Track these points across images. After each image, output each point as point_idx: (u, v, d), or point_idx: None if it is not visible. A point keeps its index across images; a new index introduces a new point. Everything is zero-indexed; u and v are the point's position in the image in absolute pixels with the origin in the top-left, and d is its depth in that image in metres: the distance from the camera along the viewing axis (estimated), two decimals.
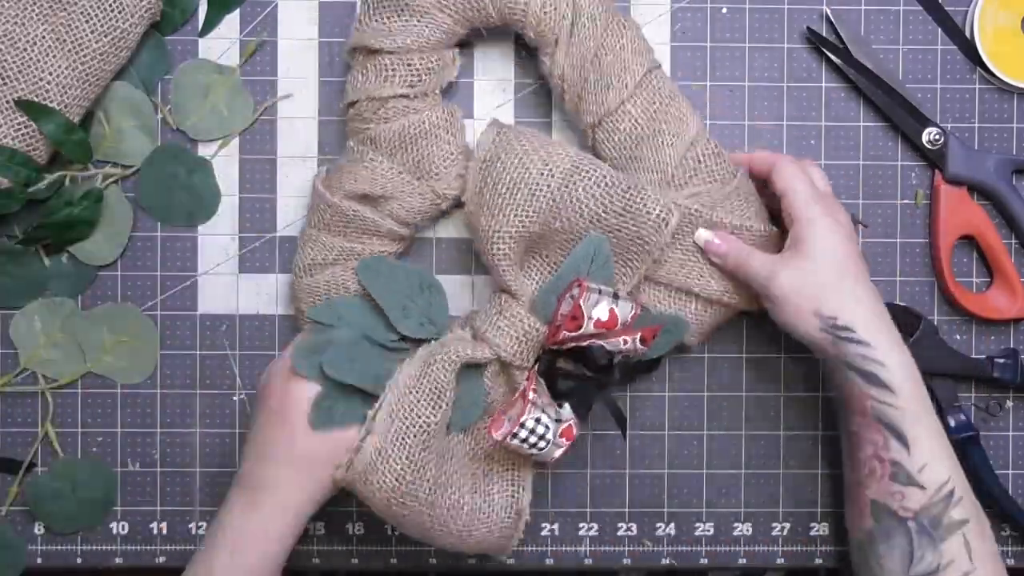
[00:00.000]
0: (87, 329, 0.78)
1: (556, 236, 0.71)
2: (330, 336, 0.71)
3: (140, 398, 0.79)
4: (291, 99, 0.80)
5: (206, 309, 0.80)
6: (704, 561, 0.81)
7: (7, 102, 0.73)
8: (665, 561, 0.81)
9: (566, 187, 0.69)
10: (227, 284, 0.80)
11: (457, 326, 0.74)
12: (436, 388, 0.70)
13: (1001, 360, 0.79)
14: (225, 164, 0.80)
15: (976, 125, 0.81)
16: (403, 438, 0.69)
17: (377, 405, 0.69)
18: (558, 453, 0.69)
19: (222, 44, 0.79)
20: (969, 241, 0.80)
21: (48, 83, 0.73)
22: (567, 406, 0.70)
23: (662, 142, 0.74)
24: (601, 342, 0.70)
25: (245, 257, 0.80)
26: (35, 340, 0.78)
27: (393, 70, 0.73)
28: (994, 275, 0.80)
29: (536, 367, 0.72)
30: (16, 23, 0.72)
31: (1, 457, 0.79)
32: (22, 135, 0.73)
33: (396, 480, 0.69)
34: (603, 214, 0.70)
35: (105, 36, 0.74)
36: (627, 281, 0.73)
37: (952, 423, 0.79)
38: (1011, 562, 0.81)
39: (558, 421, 0.69)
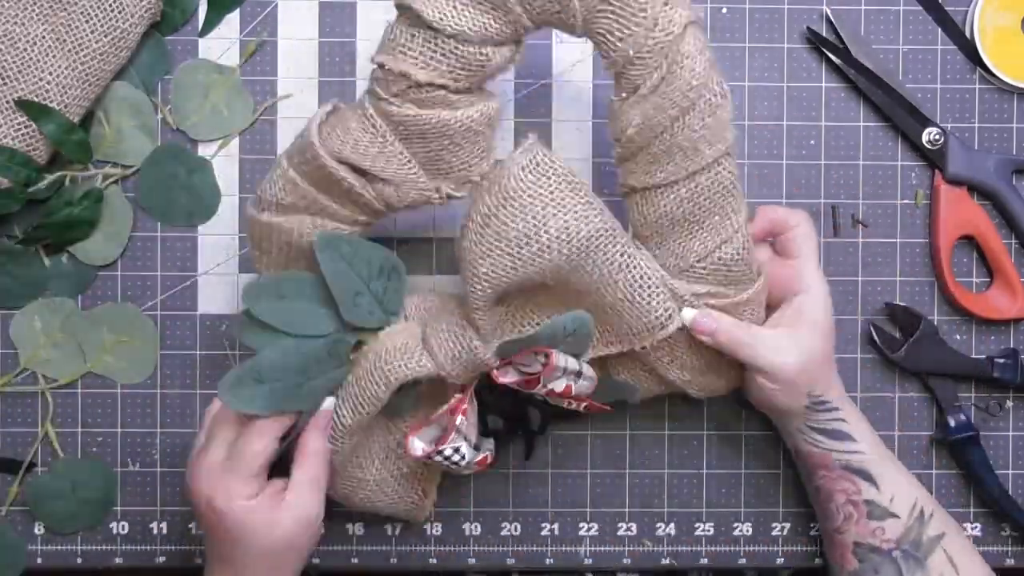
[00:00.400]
0: (87, 329, 0.78)
1: (542, 288, 0.67)
2: (258, 364, 0.67)
3: (140, 398, 0.79)
4: (291, 99, 0.80)
5: (206, 309, 0.80)
6: (704, 561, 0.81)
7: (7, 102, 0.73)
8: (665, 561, 0.81)
9: (578, 255, 0.64)
10: (227, 284, 0.80)
11: (410, 312, 0.71)
12: (367, 398, 0.68)
13: (1001, 360, 0.79)
14: (225, 164, 0.80)
15: (976, 125, 0.81)
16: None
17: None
18: (467, 472, 0.70)
19: (222, 44, 0.79)
20: (969, 241, 0.80)
21: (48, 83, 0.73)
22: (490, 441, 0.71)
23: (694, 235, 0.68)
24: (543, 398, 0.69)
25: (245, 257, 0.80)
26: (35, 340, 0.78)
27: (442, 55, 0.63)
28: (994, 275, 0.80)
29: (470, 390, 0.70)
30: (16, 23, 0.72)
31: (1, 457, 0.79)
32: (22, 135, 0.73)
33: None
34: (603, 291, 0.66)
35: (105, 36, 0.74)
36: (600, 351, 0.70)
37: (952, 423, 0.79)
38: (1011, 562, 0.81)
39: (476, 449, 0.69)
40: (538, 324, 0.69)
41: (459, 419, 0.67)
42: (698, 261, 0.68)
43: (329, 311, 0.69)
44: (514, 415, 0.74)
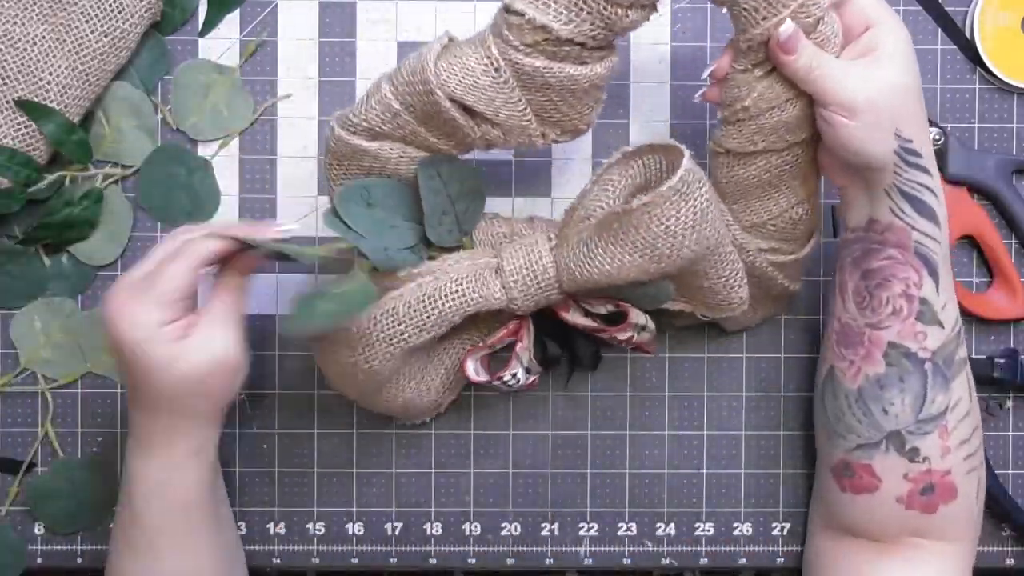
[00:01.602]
0: (87, 329, 0.79)
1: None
2: (370, 186, 0.68)
3: None
4: (291, 99, 0.80)
5: None
6: (704, 561, 0.81)
7: (7, 102, 0.73)
8: (665, 561, 0.81)
9: (700, 258, 0.67)
10: None
11: (477, 236, 0.71)
12: (435, 320, 0.67)
13: (1001, 360, 0.79)
14: (225, 164, 0.80)
15: (976, 125, 0.81)
16: (385, 346, 0.67)
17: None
18: (511, 391, 0.73)
19: (222, 44, 0.79)
20: (969, 241, 0.80)
21: (48, 83, 0.73)
22: (538, 365, 0.72)
23: (773, 196, 0.70)
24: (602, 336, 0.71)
25: None
26: (35, 340, 0.78)
27: (587, 14, 0.62)
28: (994, 275, 0.80)
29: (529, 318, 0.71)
30: (16, 23, 0.72)
31: (1, 457, 0.79)
32: (22, 135, 0.73)
33: (364, 367, 0.68)
34: (697, 278, 0.68)
35: (105, 36, 0.74)
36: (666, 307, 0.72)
37: None
38: (1011, 562, 0.81)
39: (528, 371, 0.71)
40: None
41: (518, 347, 0.69)
42: (771, 219, 0.71)
43: (410, 225, 0.70)
44: (565, 344, 0.75)
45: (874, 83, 0.63)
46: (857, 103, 0.63)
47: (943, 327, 0.67)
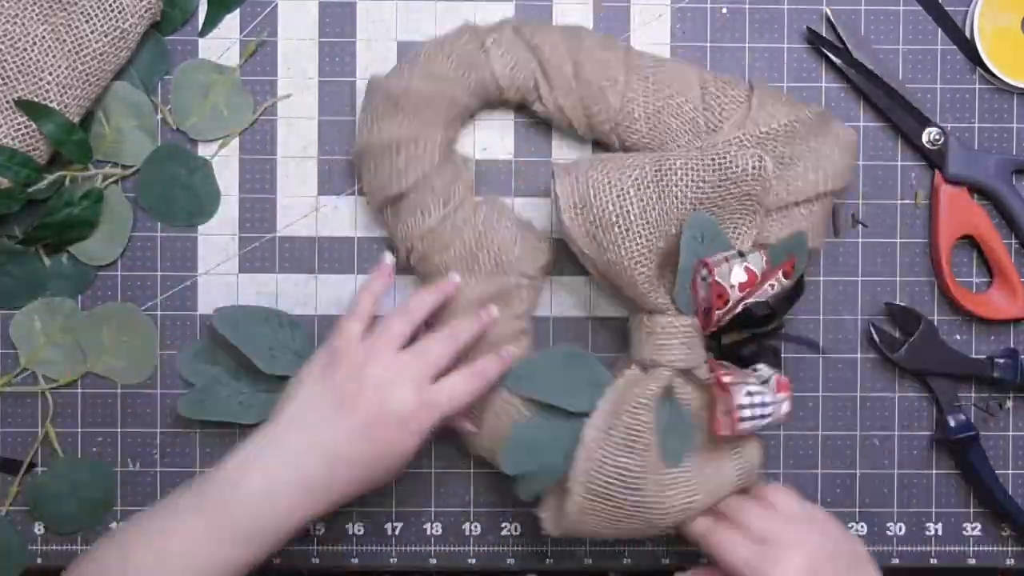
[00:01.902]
0: (87, 329, 0.79)
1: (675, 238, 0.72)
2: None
3: (140, 398, 0.79)
4: (291, 99, 0.80)
5: (206, 309, 0.80)
6: (704, 561, 0.81)
7: (7, 102, 0.73)
8: (665, 561, 0.81)
9: (662, 191, 0.71)
10: (227, 284, 0.80)
11: (619, 370, 0.74)
12: (631, 434, 0.70)
13: (1001, 360, 0.79)
14: (225, 164, 0.80)
15: (976, 125, 0.81)
16: (606, 488, 0.70)
17: (573, 467, 0.71)
18: (787, 406, 0.71)
19: (222, 44, 0.79)
20: (969, 241, 0.80)
21: (48, 83, 0.73)
22: (762, 366, 0.73)
23: (678, 104, 0.75)
24: (753, 299, 0.71)
25: (245, 257, 0.80)
26: (35, 340, 0.78)
27: None
28: (994, 275, 0.80)
29: (710, 357, 0.73)
30: (16, 23, 0.72)
31: (1, 457, 0.79)
32: (22, 135, 0.73)
33: (604, 522, 0.72)
34: (704, 194, 0.71)
35: (105, 36, 0.74)
36: (746, 239, 0.74)
37: (952, 423, 0.79)
38: (1011, 562, 0.81)
39: (765, 383, 0.71)
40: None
41: (726, 379, 0.70)
42: (701, 113, 0.76)
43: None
44: (765, 347, 0.75)
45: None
46: None
47: None
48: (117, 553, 0.66)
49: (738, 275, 0.71)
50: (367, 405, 0.68)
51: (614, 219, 0.70)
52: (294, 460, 0.67)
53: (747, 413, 0.70)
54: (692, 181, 0.71)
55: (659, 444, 0.71)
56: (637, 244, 0.71)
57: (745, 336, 0.74)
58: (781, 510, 0.70)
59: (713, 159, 0.71)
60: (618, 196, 0.70)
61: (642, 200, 0.70)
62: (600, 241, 0.71)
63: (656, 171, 0.71)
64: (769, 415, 0.70)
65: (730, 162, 0.71)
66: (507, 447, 0.73)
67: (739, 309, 0.71)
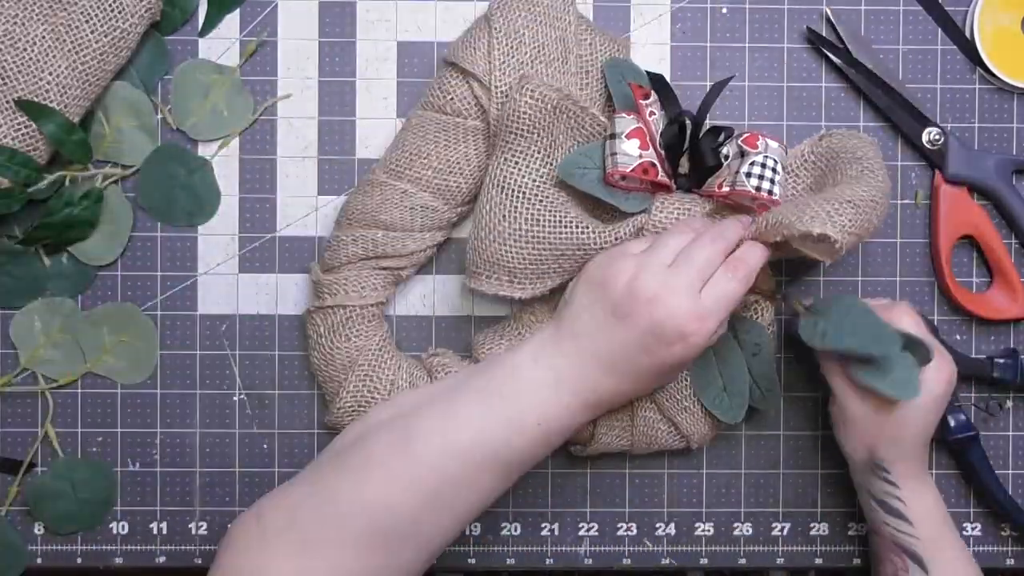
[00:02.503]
0: (87, 329, 0.79)
1: None
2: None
3: (140, 398, 0.79)
4: (291, 99, 0.80)
5: (206, 309, 0.80)
6: (704, 561, 0.81)
7: (7, 102, 0.73)
8: (665, 561, 0.81)
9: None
10: (227, 284, 0.80)
11: None
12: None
13: (1001, 360, 0.79)
14: (225, 164, 0.80)
15: (976, 125, 0.81)
16: None
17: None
18: (772, 143, 0.72)
19: (222, 44, 0.79)
20: (969, 241, 0.80)
21: (48, 83, 0.73)
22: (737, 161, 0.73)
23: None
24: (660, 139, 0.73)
25: (245, 257, 0.80)
26: (35, 340, 0.78)
27: None
28: (994, 275, 0.80)
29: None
30: (16, 23, 0.72)
31: (1, 457, 0.79)
32: (22, 135, 0.73)
33: None
34: None
35: (105, 36, 0.74)
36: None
37: (952, 423, 0.79)
38: (1011, 562, 0.81)
39: (744, 155, 0.72)
40: None
41: (725, 189, 0.72)
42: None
43: None
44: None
45: (857, 409, 0.70)
46: (842, 414, 0.71)
47: None
48: (399, 435, 0.66)
49: (631, 147, 0.71)
50: (641, 319, 0.66)
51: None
52: (575, 363, 0.67)
53: (755, 178, 0.71)
54: None
55: None
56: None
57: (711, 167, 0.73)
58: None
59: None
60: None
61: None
62: None
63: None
64: (775, 164, 0.71)
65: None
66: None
67: (662, 150, 0.72)
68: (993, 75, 0.80)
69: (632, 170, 0.71)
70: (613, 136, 0.72)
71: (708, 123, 0.74)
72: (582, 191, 0.72)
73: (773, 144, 0.72)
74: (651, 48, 0.80)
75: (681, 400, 0.75)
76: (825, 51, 0.79)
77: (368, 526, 0.64)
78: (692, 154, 0.73)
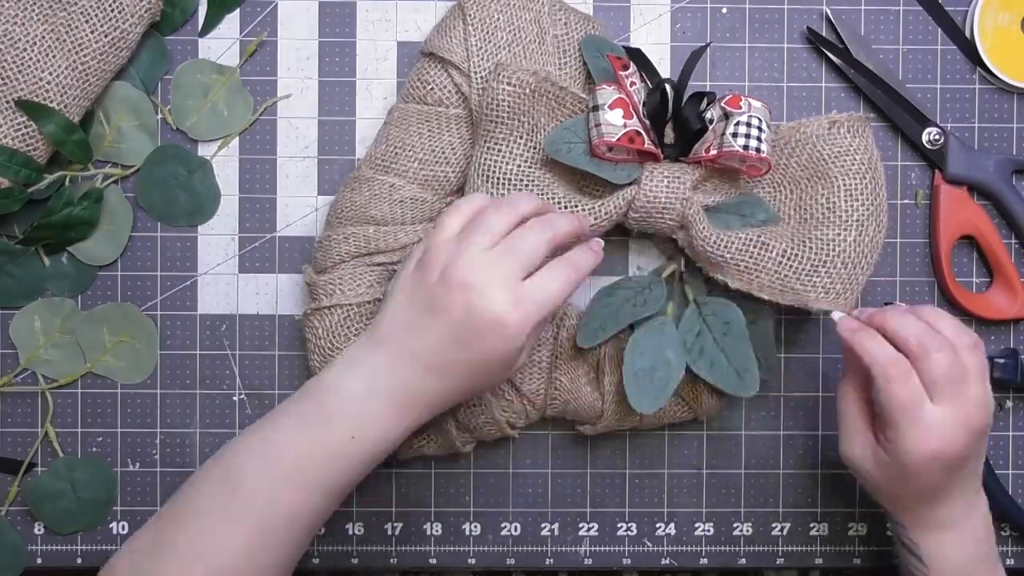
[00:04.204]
0: (87, 329, 0.79)
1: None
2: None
3: (140, 398, 0.79)
4: (291, 99, 0.80)
5: (206, 309, 0.80)
6: (704, 561, 0.81)
7: (7, 102, 0.73)
8: (665, 561, 0.81)
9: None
10: (227, 284, 0.80)
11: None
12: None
13: (1001, 360, 0.79)
14: (225, 164, 0.80)
15: (976, 125, 0.81)
16: None
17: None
18: (755, 103, 0.72)
19: (222, 44, 0.79)
20: (969, 241, 0.80)
21: (48, 83, 0.73)
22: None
23: None
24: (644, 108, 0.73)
25: (245, 257, 0.80)
26: (35, 340, 0.78)
27: None
28: (994, 275, 0.80)
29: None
30: (16, 23, 0.72)
31: (1, 457, 0.79)
32: (22, 135, 0.73)
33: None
34: None
35: (105, 36, 0.74)
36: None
37: None
38: (1011, 562, 0.81)
39: (727, 116, 0.72)
40: None
41: (713, 152, 0.72)
42: None
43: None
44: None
45: (876, 465, 0.67)
46: (855, 468, 0.69)
47: None
48: (220, 473, 0.65)
49: (614, 116, 0.71)
50: (454, 309, 0.62)
51: None
52: (390, 367, 0.64)
53: (742, 137, 0.70)
54: None
55: None
56: None
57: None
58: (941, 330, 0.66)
59: None
60: None
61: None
62: None
63: None
64: (759, 123, 0.71)
65: None
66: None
67: (646, 120, 0.72)
68: (993, 75, 0.80)
69: (618, 139, 0.71)
70: (596, 108, 0.72)
71: (690, 91, 0.74)
72: (569, 169, 0.73)
73: (756, 104, 0.72)
74: (651, 48, 0.80)
75: (688, 373, 0.74)
76: (825, 51, 0.79)
77: (208, 570, 0.63)
78: (676, 121, 0.73)
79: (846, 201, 0.72)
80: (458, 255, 0.63)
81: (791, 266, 0.71)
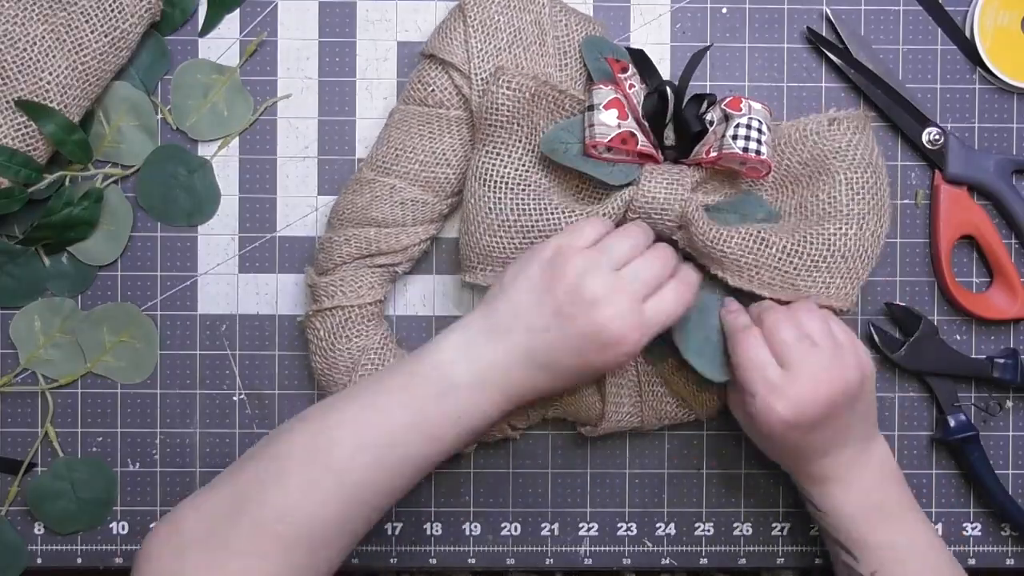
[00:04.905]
0: (87, 329, 0.79)
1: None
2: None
3: (140, 398, 0.79)
4: (291, 99, 0.80)
5: (206, 309, 0.80)
6: (704, 561, 0.81)
7: (7, 102, 0.73)
8: (665, 561, 0.81)
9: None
10: (227, 284, 0.80)
11: None
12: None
13: (1001, 360, 0.79)
14: (225, 164, 0.80)
15: (976, 125, 0.81)
16: None
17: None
18: (757, 105, 0.72)
19: (222, 44, 0.79)
20: (969, 241, 0.80)
21: (48, 83, 0.73)
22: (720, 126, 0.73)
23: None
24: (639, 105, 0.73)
25: (245, 257, 0.80)
26: (35, 340, 0.78)
27: None
28: (994, 275, 0.80)
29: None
30: (16, 23, 0.72)
31: (1, 457, 0.79)
32: (22, 135, 0.73)
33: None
34: None
35: (105, 36, 0.74)
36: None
37: (952, 423, 0.79)
38: (1011, 562, 0.81)
39: (728, 118, 0.72)
40: None
41: (712, 155, 0.72)
42: None
43: None
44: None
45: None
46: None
47: None
48: (307, 439, 0.65)
49: (608, 117, 0.71)
50: (581, 321, 0.65)
51: None
52: (507, 364, 0.66)
53: (742, 140, 0.70)
54: None
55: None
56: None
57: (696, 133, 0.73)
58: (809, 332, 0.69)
59: None
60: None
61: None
62: None
63: None
64: (760, 125, 0.71)
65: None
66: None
67: (644, 121, 0.72)
68: (993, 75, 0.80)
69: (610, 140, 0.71)
70: (591, 108, 0.72)
71: (690, 92, 0.73)
72: (568, 173, 0.73)
73: (756, 106, 0.72)
74: (651, 48, 0.80)
75: (687, 372, 0.74)
76: (825, 51, 0.79)
77: (290, 532, 0.63)
78: (676, 123, 0.73)
79: (847, 195, 0.72)
80: (593, 268, 0.66)
81: (792, 262, 0.71)
